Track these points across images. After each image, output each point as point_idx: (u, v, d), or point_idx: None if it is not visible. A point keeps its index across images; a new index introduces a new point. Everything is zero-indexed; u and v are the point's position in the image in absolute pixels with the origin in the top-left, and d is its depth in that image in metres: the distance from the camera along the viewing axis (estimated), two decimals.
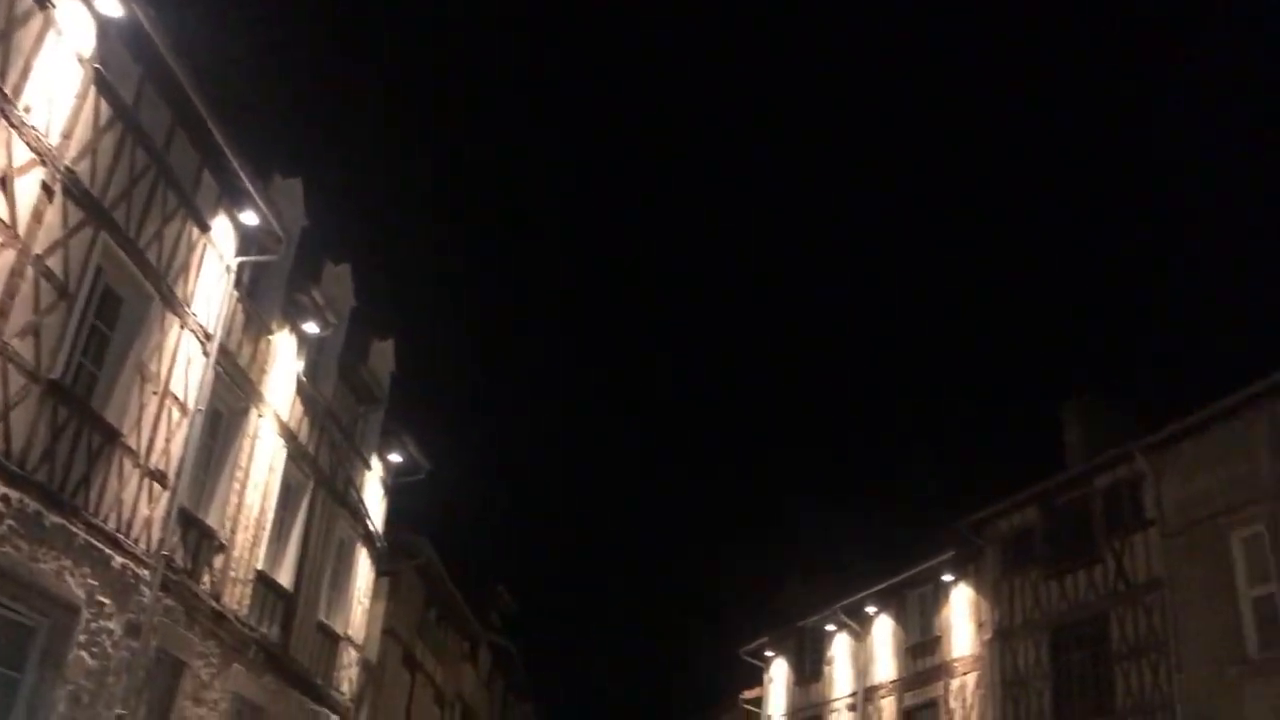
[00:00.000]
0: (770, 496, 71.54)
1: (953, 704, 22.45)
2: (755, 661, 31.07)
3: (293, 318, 15.62)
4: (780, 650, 29.92)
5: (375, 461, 19.68)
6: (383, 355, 19.71)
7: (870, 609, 25.74)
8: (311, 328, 15.97)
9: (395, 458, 20.37)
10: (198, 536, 13.05)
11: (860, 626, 26.19)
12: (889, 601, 25.29)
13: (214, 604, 13.38)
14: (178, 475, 12.27)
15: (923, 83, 75.83)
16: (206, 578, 13.24)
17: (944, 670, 23.02)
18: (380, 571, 20.41)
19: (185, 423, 12.47)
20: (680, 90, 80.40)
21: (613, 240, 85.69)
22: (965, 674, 22.35)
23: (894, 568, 24.87)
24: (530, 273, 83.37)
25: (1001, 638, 21.40)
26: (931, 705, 23.14)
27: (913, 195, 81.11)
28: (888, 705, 24.65)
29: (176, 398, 12.25)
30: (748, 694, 31.99)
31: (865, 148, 78.57)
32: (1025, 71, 71.41)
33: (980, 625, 22.13)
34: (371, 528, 19.46)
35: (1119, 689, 18.47)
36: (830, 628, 27.34)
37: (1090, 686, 19.28)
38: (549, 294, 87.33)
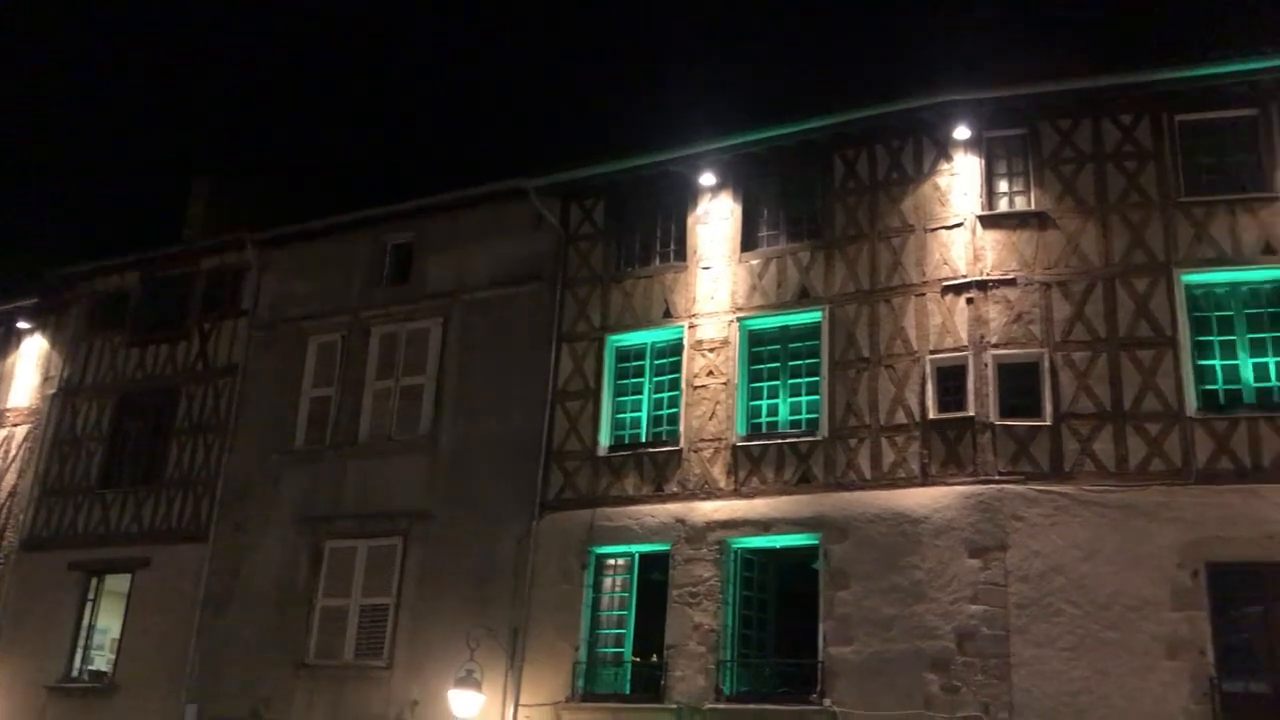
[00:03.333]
0: None
1: None
2: None
3: None
4: None
5: None
6: None
7: None
8: None
9: None
10: None
11: None
12: None
13: None
14: None
15: None
16: None
17: None
18: None
19: None
20: None
21: None
22: (16, 425, 21.10)
23: None
24: None
25: (66, 395, 20.59)
26: None
27: None
28: None
29: None
30: None
31: None
32: None
33: (47, 379, 21.02)
34: None
35: (171, 460, 19.09)
36: None
37: (144, 455, 19.57)
38: None
